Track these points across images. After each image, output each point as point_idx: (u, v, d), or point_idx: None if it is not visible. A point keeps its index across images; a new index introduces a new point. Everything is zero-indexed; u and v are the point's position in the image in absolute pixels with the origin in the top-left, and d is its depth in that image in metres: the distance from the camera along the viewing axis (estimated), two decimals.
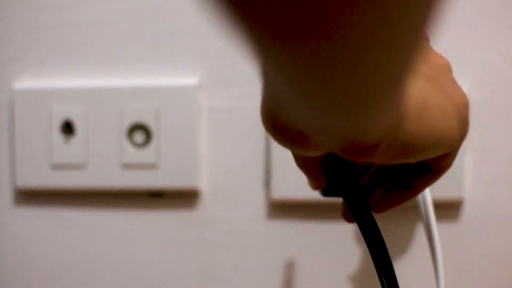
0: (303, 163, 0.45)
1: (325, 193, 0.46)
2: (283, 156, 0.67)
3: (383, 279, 0.44)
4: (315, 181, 0.46)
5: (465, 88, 0.67)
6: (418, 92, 0.36)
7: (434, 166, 0.43)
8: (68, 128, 0.72)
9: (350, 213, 0.46)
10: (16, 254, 0.74)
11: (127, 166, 0.70)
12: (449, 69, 0.43)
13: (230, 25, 0.24)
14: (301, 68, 0.26)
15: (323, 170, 0.46)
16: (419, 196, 0.56)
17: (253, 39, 0.24)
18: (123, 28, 0.71)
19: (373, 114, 0.31)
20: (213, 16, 0.23)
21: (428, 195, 0.56)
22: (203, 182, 0.71)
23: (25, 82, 0.73)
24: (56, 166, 0.72)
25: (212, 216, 0.71)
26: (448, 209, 0.67)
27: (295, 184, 0.67)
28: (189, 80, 0.70)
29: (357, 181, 0.47)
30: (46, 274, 0.74)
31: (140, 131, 0.71)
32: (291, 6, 0.22)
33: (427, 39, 0.45)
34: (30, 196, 0.74)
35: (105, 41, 0.72)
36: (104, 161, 0.71)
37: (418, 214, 0.57)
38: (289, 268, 0.70)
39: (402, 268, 0.68)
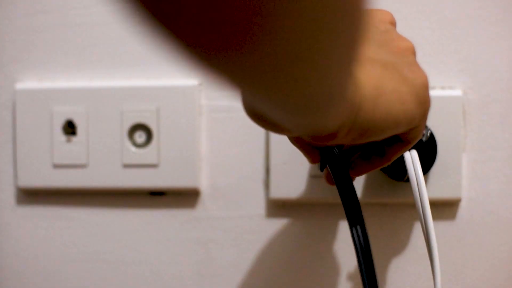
0: (295, 140, 0.50)
1: (322, 166, 0.50)
2: (283, 156, 0.68)
3: (354, 228, 0.47)
4: (309, 155, 0.51)
5: (461, 88, 0.67)
6: (373, 82, 0.39)
7: (402, 138, 0.47)
8: (69, 128, 0.72)
9: (332, 176, 0.50)
10: (18, 253, 0.75)
11: (128, 166, 0.71)
12: (411, 51, 0.45)
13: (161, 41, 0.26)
14: (241, 77, 0.29)
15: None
16: (417, 195, 0.57)
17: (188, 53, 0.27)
18: (124, 29, 0.72)
19: (325, 110, 0.35)
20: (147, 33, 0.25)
21: (426, 194, 0.57)
22: (203, 182, 0.71)
23: (27, 83, 0.73)
24: (58, 166, 0.72)
25: (212, 216, 0.71)
26: (445, 208, 0.68)
27: (295, 184, 0.68)
28: (189, 80, 0.71)
29: (341, 150, 0.51)
30: (48, 273, 0.74)
31: (140, 131, 0.71)
32: (208, 22, 0.24)
33: (392, 23, 0.47)
34: (32, 196, 0.74)
35: (106, 42, 0.72)
36: (105, 161, 0.71)
37: (415, 213, 0.57)
38: (289, 268, 0.70)
39: (399, 267, 0.68)
